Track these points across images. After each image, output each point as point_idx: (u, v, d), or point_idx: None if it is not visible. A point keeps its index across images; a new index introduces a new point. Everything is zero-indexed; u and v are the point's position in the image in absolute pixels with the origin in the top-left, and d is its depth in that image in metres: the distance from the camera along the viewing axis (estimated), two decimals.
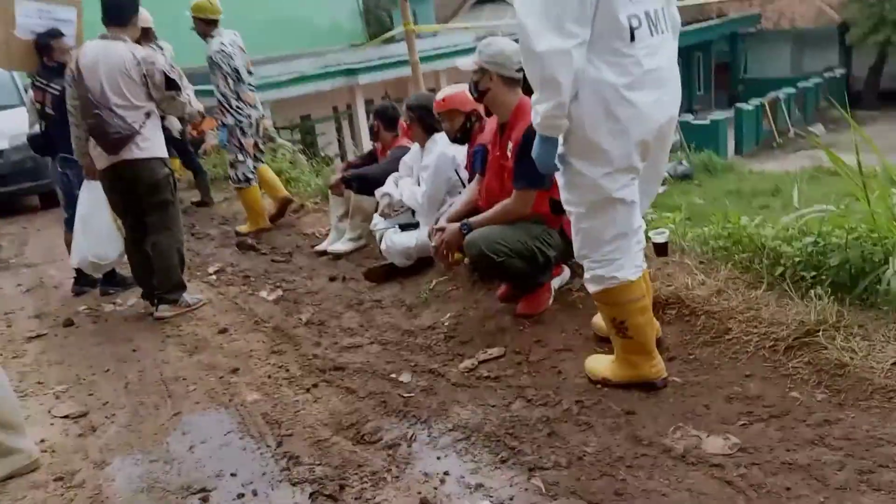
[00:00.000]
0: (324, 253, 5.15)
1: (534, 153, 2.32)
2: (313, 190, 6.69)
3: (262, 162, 6.16)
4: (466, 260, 3.92)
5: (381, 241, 4.53)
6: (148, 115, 4.05)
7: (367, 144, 16.09)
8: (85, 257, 4.41)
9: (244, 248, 5.62)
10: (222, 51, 5.54)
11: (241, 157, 5.80)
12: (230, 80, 5.58)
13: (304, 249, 5.43)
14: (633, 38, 2.18)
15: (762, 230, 3.00)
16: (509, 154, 3.19)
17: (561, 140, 2.30)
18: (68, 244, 4.86)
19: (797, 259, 2.77)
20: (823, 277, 2.66)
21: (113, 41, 3.98)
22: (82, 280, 4.97)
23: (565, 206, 2.43)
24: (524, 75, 2.32)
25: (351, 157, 6.96)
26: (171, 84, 4.04)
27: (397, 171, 4.77)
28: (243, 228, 6.07)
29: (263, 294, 4.53)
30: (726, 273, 2.95)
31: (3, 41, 4.66)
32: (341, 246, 5.06)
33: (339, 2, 24.29)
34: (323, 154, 12.28)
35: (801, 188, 3.07)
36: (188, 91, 4.33)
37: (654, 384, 2.51)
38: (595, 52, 2.17)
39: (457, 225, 3.32)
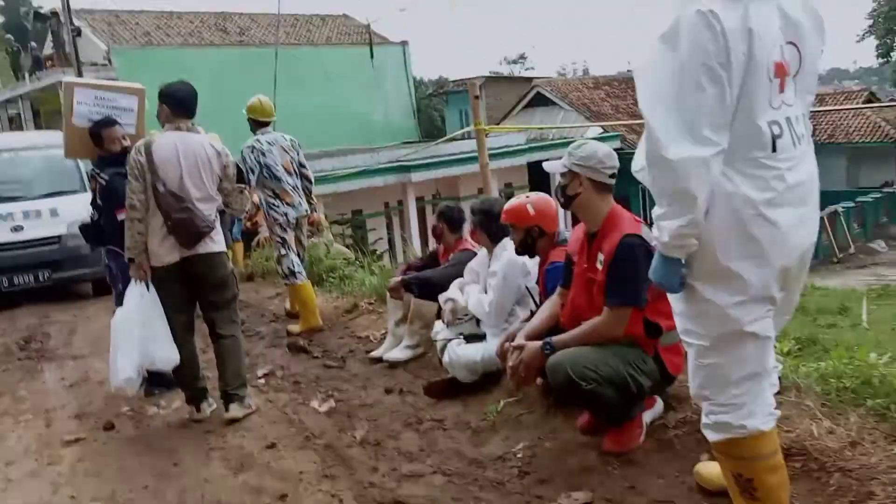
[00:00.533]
0: (379, 360, 4.84)
1: (653, 274, 2.02)
2: (368, 289, 6.45)
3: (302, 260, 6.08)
4: (540, 380, 3.59)
5: (442, 351, 4.21)
6: (217, 210, 4.06)
7: (416, 240, 16.03)
8: (142, 364, 3.92)
9: (295, 350, 5.35)
10: (252, 147, 5.75)
11: (283, 251, 5.83)
12: (253, 177, 5.74)
13: (358, 354, 5.13)
14: (774, 147, 1.90)
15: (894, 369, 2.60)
16: (599, 267, 2.90)
17: (683, 261, 1.99)
18: None
19: None
20: None
21: (188, 133, 3.97)
22: (154, 378, 4.66)
23: (683, 337, 2.09)
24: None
25: (410, 258, 6.70)
26: (241, 177, 3.99)
27: (461, 275, 4.52)
28: (294, 329, 5.85)
29: (314, 404, 4.20)
30: (857, 420, 2.54)
31: (65, 128, 4.62)
32: (399, 354, 4.75)
33: (394, 101, 24.94)
34: (373, 249, 12.18)
35: (869, 307, 2.67)
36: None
37: None
38: (730, 163, 1.89)
39: (538, 344, 2.99)
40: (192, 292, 4.04)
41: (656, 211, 1.95)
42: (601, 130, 20.45)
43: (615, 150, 3.24)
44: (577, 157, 2.92)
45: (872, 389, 2.63)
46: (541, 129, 22.06)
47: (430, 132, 29.94)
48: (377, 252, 12.09)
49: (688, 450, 2.80)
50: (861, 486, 2.27)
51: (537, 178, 20.73)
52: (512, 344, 3.13)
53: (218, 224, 4.05)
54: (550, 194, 3.74)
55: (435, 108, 32.90)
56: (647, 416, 3.00)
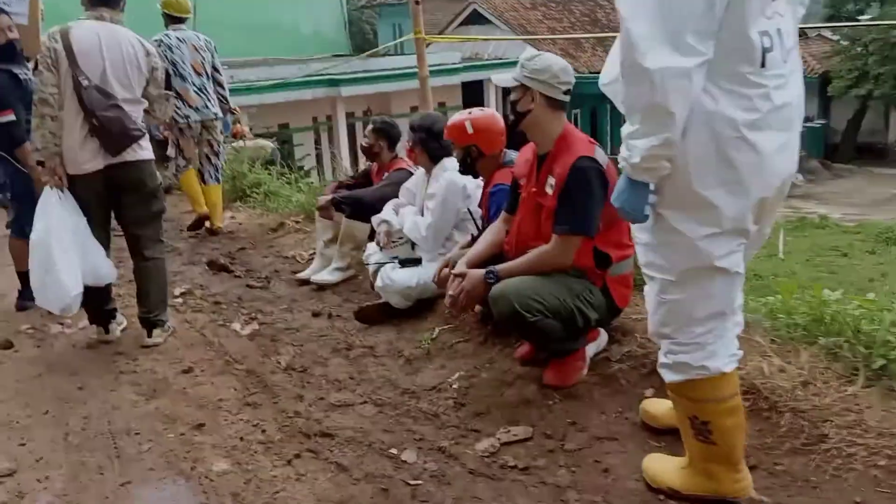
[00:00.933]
0: (306, 282, 4.58)
1: (618, 200, 1.80)
2: (295, 207, 6.11)
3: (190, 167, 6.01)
4: (477, 308, 3.43)
5: (374, 275, 3.99)
6: (143, 111, 3.60)
7: (346, 157, 15.53)
8: (83, 279, 3.48)
9: (216, 268, 5.02)
10: (160, 41, 5.53)
11: (170, 153, 5.91)
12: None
13: (284, 275, 4.85)
14: (763, 62, 1.68)
15: (847, 307, 2.52)
16: (549, 191, 2.69)
17: (652, 186, 1.79)
18: (14, 253, 4.24)
19: None
20: None
21: (114, 25, 3.46)
22: (27, 293, 4.31)
23: (645, 270, 1.92)
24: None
25: (340, 176, 6.37)
26: (168, 83, 3.63)
27: (396, 196, 4.26)
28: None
29: (236, 326, 3.94)
30: (809, 359, 2.46)
31: None
32: (327, 276, 4.50)
33: (324, 12, 23.81)
34: (300, 166, 11.69)
35: (786, 239, 2.60)
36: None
37: (736, 503, 2.00)
38: (712, 78, 1.67)
39: (481, 272, 2.79)
40: (113, 205, 3.60)
41: (626, 128, 1.73)
42: (537, 52, 20.07)
43: None
44: (530, 70, 2.66)
45: (824, 327, 2.56)
46: (483, 39, 21.52)
47: (361, 46, 28.74)
48: (304, 168, 11.62)
49: (632, 385, 2.70)
50: (813, 427, 2.19)
51: (471, 99, 20.33)
52: (453, 271, 2.92)
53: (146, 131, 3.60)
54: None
55: (367, 21, 31.58)
56: (591, 349, 2.87)
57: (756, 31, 1.66)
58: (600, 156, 2.65)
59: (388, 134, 4.56)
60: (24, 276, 4.15)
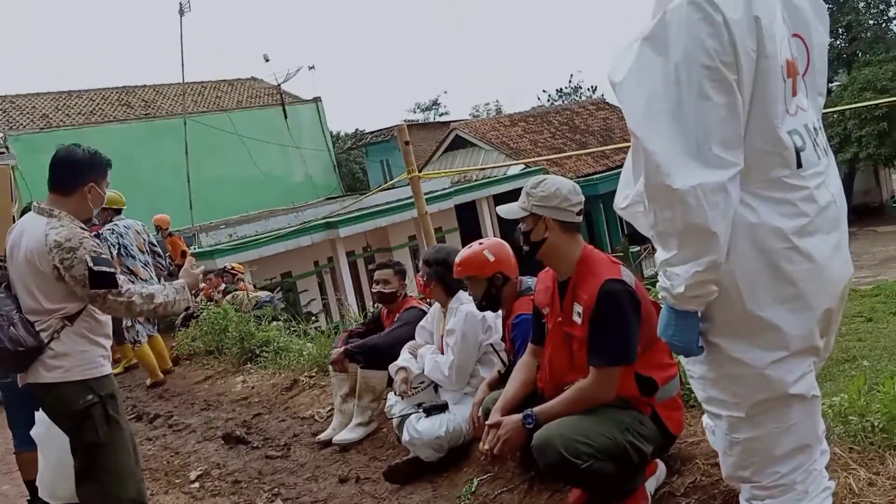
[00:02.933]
0: (328, 443, 4.30)
1: (664, 333, 1.62)
2: (307, 361, 5.90)
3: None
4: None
5: (399, 428, 3.73)
6: (66, 319, 2.80)
7: (351, 296, 15.48)
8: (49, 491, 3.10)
9: (232, 441, 4.75)
10: (112, 230, 6.61)
11: (129, 323, 6.79)
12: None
13: (304, 438, 4.58)
14: (799, 162, 1.54)
15: None
16: (578, 320, 2.50)
17: (699, 313, 1.60)
18: (20, 465, 3.99)
19: None
20: None
21: (38, 217, 2.82)
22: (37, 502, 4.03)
23: (707, 407, 1.70)
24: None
25: (350, 325, 6.20)
26: (99, 279, 2.74)
27: (411, 337, 4.07)
28: (149, 382, 6.89)
29: None
30: None
31: None
32: (349, 434, 4.23)
33: (313, 158, 24.57)
34: (307, 312, 11.59)
35: None
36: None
37: None
38: (747, 187, 1.52)
39: (517, 418, 2.55)
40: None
41: (662, 255, 1.56)
42: (524, 167, 20.51)
43: None
44: (538, 198, 2.53)
45: None
46: (477, 169, 21.96)
47: (352, 186, 29.57)
48: (313, 314, 11.51)
49: None
50: None
51: (465, 221, 20.57)
52: (487, 423, 2.68)
53: (68, 344, 2.79)
54: (480, 234, 3.36)
55: (355, 161, 32.58)
56: (650, 485, 2.59)
57: (785, 132, 1.53)
58: (626, 275, 2.49)
59: (404, 273, 4.45)
60: (30, 485, 3.89)
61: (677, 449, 2.73)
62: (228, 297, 8.68)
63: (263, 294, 8.98)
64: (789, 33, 1.60)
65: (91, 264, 2.71)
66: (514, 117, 27.00)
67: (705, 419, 1.77)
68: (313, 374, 5.67)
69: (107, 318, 2.94)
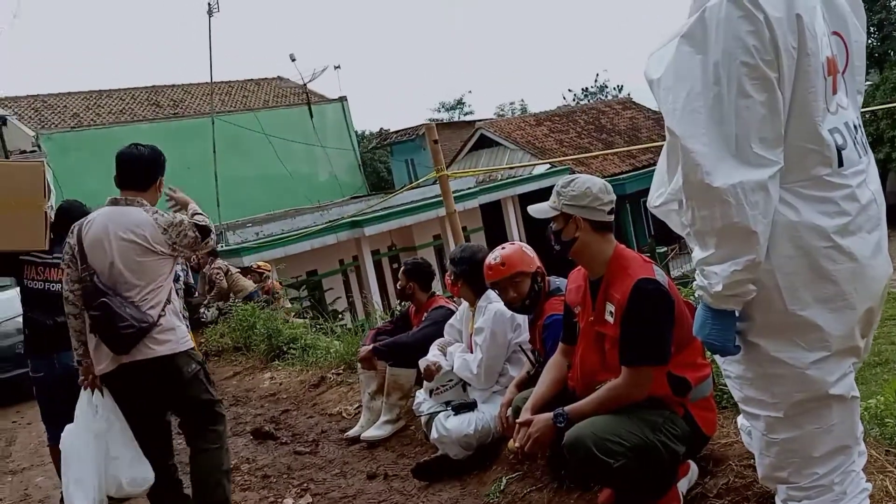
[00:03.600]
0: (357, 440, 4.34)
1: (700, 332, 1.61)
2: (334, 359, 5.95)
3: None
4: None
5: (428, 426, 3.75)
6: (168, 298, 3.16)
7: (376, 294, 15.54)
8: (105, 490, 3.14)
9: (260, 436, 4.81)
10: None
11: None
12: None
13: (332, 435, 4.62)
14: (841, 161, 1.52)
15: None
16: (610, 319, 2.50)
17: (737, 313, 1.59)
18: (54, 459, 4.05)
19: None
20: None
21: (128, 208, 3.12)
22: None
23: (744, 406, 1.69)
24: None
25: (378, 322, 6.23)
26: (204, 231, 3.25)
27: (440, 335, 4.09)
28: None
29: (289, 502, 3.68)
30: None
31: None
32: (377, 431, 4.26)
33: (339, 157, 24.70)
34: (333, 310, 11.66)
35: None
36: None
37: None
38: (788, 185, 1.52)
39: (548, 416, 2.55)
40: (151, 402, 3.18)
41: (699, 254, 1.55)
42: (549, 166, 20.44)
43: None
44: (569, 197, 2.52)
45: None
46: (504, 168, 21.95)
47: (376, 185, 29.65)
48: (338, 313, 11.57)
49: None
50: None
51: (490, 219, 20.55)
52: (518, 420, 2.69)
53: (170, 318, 3.13)
54: (505, 234, 3.34)
55: (379, 160, 32.67)
56: (682, 486, 2.58)
57: (826, 130, 1.52)
58: (659, 275, 2.47)
59: (418, 274, 4.45)
60: None
61: (710, 450, 2.71)
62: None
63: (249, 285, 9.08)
64: (829, 31, 1.58)
65: (194, 223, 3.22)
66: (540, 116, 26.90)
67: (740, 420, 1.76)
68: (340, 371, 5.71)
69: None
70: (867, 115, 21.24)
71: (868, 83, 24.68)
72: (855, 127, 1.62)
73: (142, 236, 3.06)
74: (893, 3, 26.42)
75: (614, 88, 39.94)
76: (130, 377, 3.08)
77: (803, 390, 1.57)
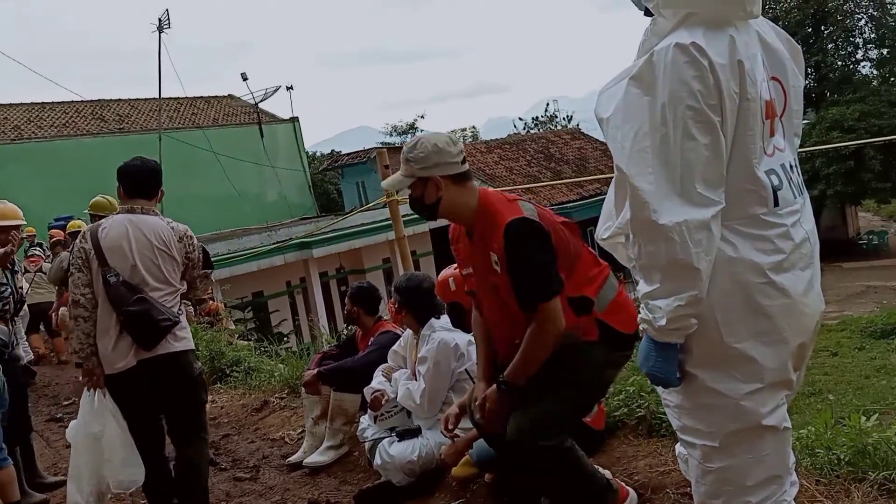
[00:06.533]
0: (299, 465, 4.26)
1: (645, 365, 1.65)
2: (278, 382, 5.85)
3: None
4: (488, 476, 3.18)
5: (371, 452, 3.71)
6: (181, 300, 3.44)
7: (323, 317, 15.39)
8: (97, 488, 3.29)
9: None
10: None
11: None
12: None
13: (273, 460, 4.53)
14: (776, 201, 1.60)
15: (892, 434, 2.33)
16: (497, 268, 2.44)
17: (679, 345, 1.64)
18: None
19: None
20: None
21: (143, 215, 3.34)
22: None
23: (682, 436, 1.73)
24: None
25: (324, 346, 6.17)
26: (207, 261, 3.52)
27: (385, 360, 4.07)
28: None
29: None
30: (862, 499, 2.24)
31: None
32: (320, 457, 4.19)
33: (288, 178, 24.51)
34: (278, 332, 11.51)
35: None
36: None
37: None
38: (728, 223, 1.58)
39: (493, 389, 2.50)
40: (156, 400, 3.36)
41: (644, 288, 1.60)
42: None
43: None
44: (419, 160, 2.47)
45: (870, 459, 2.35)
46: None
47: (326, 207, 29.45)
48: (283, 335, 11.42)
49: None
50: None
51: (440, 244, 20.62)
52: (477, 402, 2.61)
53: (184, 318, 3.39)
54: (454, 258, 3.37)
55: (330, 182, 32.52)
56: None
57: (763, 171, 1.60)
58: (527, 209, 2.45)
59: (363, 299, 4.41)
60: None
61: (648, 478, 2.76)
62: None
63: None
64: (768, 76, 1.66)
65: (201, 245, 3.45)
66: (491, 144, 27.26)
67: (678, 448, 1.81)
68: (284, 395, 5.61)
69: None
70: (804, 154, 22.12)
71: (805, 122, 25.74)
72: (791, 168, 1.69)
73: (163, 242, 3.30)
74: (830, 46, 27.69)
75: (564, 118, 40.72)
76: (147, 373, 3.23)
77: (738, 421, 1.62)
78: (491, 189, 2.59)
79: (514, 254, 2.36)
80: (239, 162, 22.13)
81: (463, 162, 2.50)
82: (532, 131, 37.92)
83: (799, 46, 1.79)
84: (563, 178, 23.38)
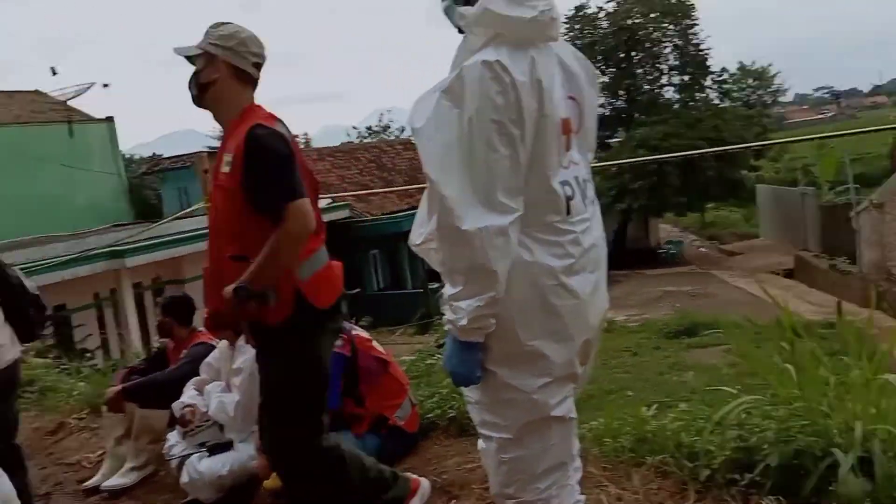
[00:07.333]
0: (96, 490, 3.95)
1: (448, 363, 1.74)
2: (77, 402, 5.40)
3: None
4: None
5: (179, 469, 3.53)
6: None
7: (135, 332, 14.44)
8: None
9: None
10: None
11: None
12: None
13: (68, 486, 4.16)
14: (569, 210, 1.74)
15: (667, 422, 2.58)
16: (227, 168, 2.34)
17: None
18: None
19: (722, 458, 2.35)
20: (760, 479, 2.25)
21: None
22: None
23: (481, 430, 1.83)
24: None
25: (131, 361, 5.79)
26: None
27: (196, 374, 3.89)
28: None
29: None
30: (641, 481, 2.46)
31: None
32: (121, 479, 3.90)
33: (101, 181, 22.84)
34: (82, 349, 10.64)
35: None
36: None
37: None
38: (525, 230, 1.70)
39: (229, 290, 2.30)
40: None
41: (449, 290, 1.70)
42: (331, 201, 20.50)
43: (344, 219, 2.91)
44: (217, 37, 2.42)
45: (648, 445, 2.59)
46: None
47: (144, 213, 27.70)
48: (88, 351, 10.56)
49: None
50: None
51: None
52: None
53: None
54: None
55: (150, 186, 30.64)
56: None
57: (558, 182, 1.73)
58: (281, 128, 2.41)
59: (176, 309, 4.21)
60: None
61: (454, 476, 2.85)
62: None
63: None
64: (566, 95, 1.81)
65: None
66: (323, 151, 27.02)
67: (480, 443, 1.91)
68: (84, 415, 5.19)
69: None
70: (614, 169, 23.97)
71: (616, 139, 27.87)
72: (584, 181, 1.85)
73: None
74: (639, 71, 30.13)
75: (397, 129, 41.21)
76: None
77: (531, 413, 1.74)
78: (264, 108, 2.49)
79: (255, 156, 2.27)
80: (45, 163, 20.29)
81: (257, 69, 2.44)
82: (366, 140, 38.02)
83: (596, 70, 1.98)
84: (394, 188, 23.64)
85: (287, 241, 2.26)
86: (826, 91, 73.91)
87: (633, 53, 29.53)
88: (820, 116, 57.88)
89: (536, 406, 1.73)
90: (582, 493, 1.89)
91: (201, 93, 2.42)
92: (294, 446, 2.36)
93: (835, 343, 2.97)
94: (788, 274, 21.69)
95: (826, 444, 2.19)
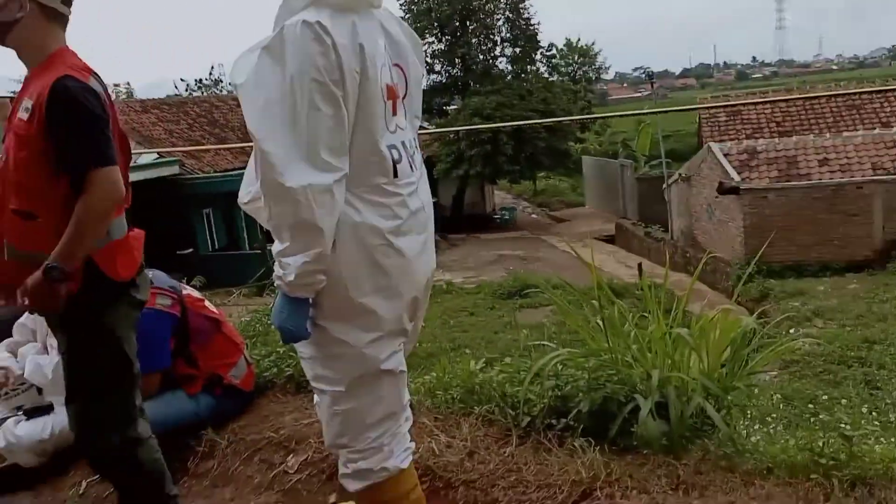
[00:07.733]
0: None
1: (277, 319, 1.78)
2: None
3: None
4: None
5: None
6: None
7: None
8: None
9: None
10: None
11: None
12: None
13: None
14: (396, 173, 1.82)
15: (493, 375, 2.80)
16: (25, 115, 2.10)
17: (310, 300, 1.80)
18: None
19: (541, 406, 2.60)
20: (573, 423, 2.52)
21: None
22: None
23: (314, 384, 1.91)
24: None
25: None
26: None
27: (10, 335, 3.66)
28: None
29: None
30: (469, 429, 2.66)
31: None
32: None
33: None
34: None
35: None
36: None
37: None
38: (353, 191, 1.77)
39: (37, 275, 2.07)
40: None
41: (276, 247, 1.73)
42: (157, 156, 19.33)
43: (174, 175, 2.68)
44: None
45: (476, 396, 2.80)
46: None
47: None
48: None
49: (313, 493, 2.63)
50: (485, 495, 2.36)
51: None
52: (20, 290, 2.13)
53: None
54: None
55: None
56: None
57: (385, 146, 1.80)
58: (95, 83, 2.17)
59: None
60: None
61: (293, 430, 2.93)
62: None
63: None
64: (390, 62, 1.87)
65: None
66: (147, 103, 25.28)
67: (316, 398, 1.98)
68: None
69: None
70: (451, 136, 24.49)
71: (454, 107, 28.37)
72: (410, 146, 1.94)
73: None
74: (474, 41, 30.71)
75: (230, 84, 39.30)
76: None
77: (361, 367, 1.84)
78: (77, 57, 2.23)
79: (62, 111, 2.05)
80: None
81: (67, 5, 2.19)
82: (195, 94, 35.98)
83: (419, 39, 2.06)
84: (228, 144, 22.69)
85: (93, 214, 2.07)
86: (643, 71, 79.34)
87: (467, 23, 30.06)
88: (637, 94, 62.33)
89: (367, 360, 1.83)
90: (412, 441, 2.03)
91: (4, 32, 2.15)
92: (102, 439, 2.24)
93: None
94: (610, 240, 23.36)
95: (629, 391, 2.50)
